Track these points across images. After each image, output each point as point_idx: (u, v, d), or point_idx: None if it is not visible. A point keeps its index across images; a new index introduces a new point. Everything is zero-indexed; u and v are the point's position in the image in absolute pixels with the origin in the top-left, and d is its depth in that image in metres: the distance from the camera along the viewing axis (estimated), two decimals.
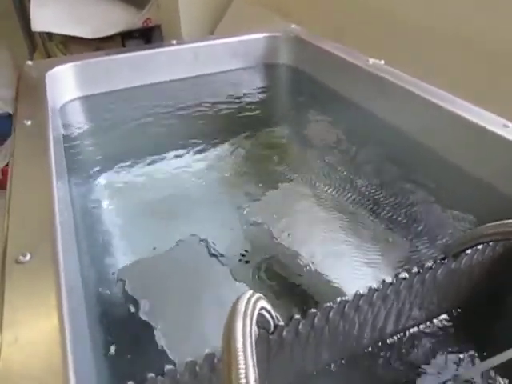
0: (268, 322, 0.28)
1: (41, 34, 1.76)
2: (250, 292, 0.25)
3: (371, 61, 0.62)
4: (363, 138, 0.63)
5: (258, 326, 0.28)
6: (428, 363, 0.39)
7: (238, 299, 0.24)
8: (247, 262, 0.54)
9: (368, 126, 0.62)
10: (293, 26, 0.80)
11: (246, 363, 0.19)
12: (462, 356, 0.40)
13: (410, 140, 0.56)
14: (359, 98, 0.63)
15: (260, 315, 0.25)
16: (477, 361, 0.39)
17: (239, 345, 0.20)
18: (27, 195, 0.38)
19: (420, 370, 0.39)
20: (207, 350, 0.27)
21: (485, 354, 0.38)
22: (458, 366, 0.39)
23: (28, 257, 0.31)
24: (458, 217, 0.48)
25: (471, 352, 0.40)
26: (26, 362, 0.26)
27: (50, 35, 1.74)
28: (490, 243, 0.36)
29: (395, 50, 0.81)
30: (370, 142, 0.62)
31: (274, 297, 0.49)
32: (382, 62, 0.62)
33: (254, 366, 0.19)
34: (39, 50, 1.93)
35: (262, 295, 0.26)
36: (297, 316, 0.31)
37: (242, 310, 0.22)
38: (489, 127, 0.45)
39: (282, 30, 0.78)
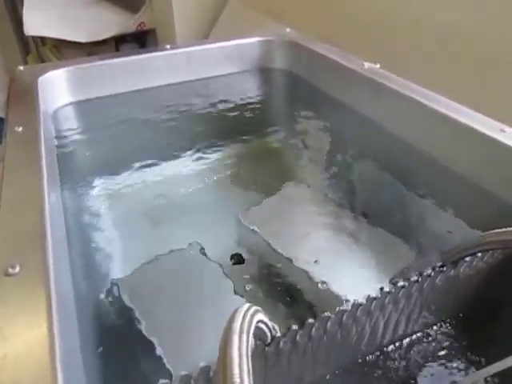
0: (265, 333, 0.28)
1: (34, 37, 1.75)
2: (246, 306, 0.24)
3: (367, 65, 0.62)
4: (359, 142, 0.63)
5: (255, 338, 0.28)
6: (426, 371, 0.39)
7: (233, 314, 0.23)
8: (244, 270, 0.53)
9: (364, 131, 0.62)
10: (287, 29, 0.80)
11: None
12: (460, 364, 0.39)
13: (405, 144, 0.55)
14: (354, 103, 0.63)
15: (257, 328, 0.25)
16: (475, 369, 0.39)
17: (235, 366, 0.19)
18: (18, 204, 0.37)
19: (418, 378, 0.39)
20: (202, 363, 0.27)
21: (483, 361, 0.37)
22: (456, 373, 0.39)
23: (17, 269, 0.30)
24: (455, 223, 0.48)
25: (470, 360, 0.40)
26: (16, 377, 0.25)
27: (42, 39, 1.73)
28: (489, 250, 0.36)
29: (390, 52, 0.81)
30: (366, 146, 0.62)
31: (271, 306, 0.48)
32: (378, 65, 0.61)
33: None
34: (32, 54, 1.92)
35: (258, 308, 0.25)
36: (294, 326, 0.30)
37: (238, 327, 0.22)
38: (486, 132, 0.45)
39: (277, 34, 0.77)
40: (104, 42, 1.52)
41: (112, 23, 1.54)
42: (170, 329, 0.41)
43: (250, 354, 0.21)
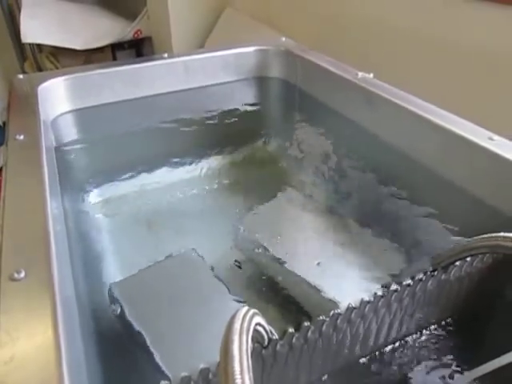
0: (262, 336, 0.29)
1: (31, 45, 1.76)
2: (246, 308, 0.25)
3: (360, 74, 0.63)
4: (353, 150, 0.64)
5: (253, 341, 0.29)
6: (419, 372, 0.40)
7: (233, 316, 0.24)
8: (241, 274, 0.54)
9: (357, 139, 0.63)
10: (283, 38, 0.81)
11: (242, 381, 0.20)
12: (452, 365, 0.40)
13: (397, 152, 0.57)
14: (348, 111, 0.64)
15: (255, 330, 0.26)
16: (465, 370, 0.40)
17: (236, 363, 0.20)
18: (20, 211, 0.38)
19: (411, 379, 0.39)
20: (202, 365, 0.27)
21: (475, 362, 0.38)
22: (448, 374, 0.40)
23: (22, 274, 0.31)
24: (446, 228, 0.49)
25: (461, 361, 0.41)
26: (23, 379, 0.26)
27: (39, 46, 1.73)
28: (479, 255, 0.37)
29: (384, 60, 0.83)
30: (360, 154, 0.63)
31: (268, 310, 0.49)
32: (371, 75, 0.63)
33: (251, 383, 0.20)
34: (29, 61, 1.92)
35: (256, 310, 0.26)
36: (290, 329, 0.31)
37: (238, 327, 0.23)
38: (475, 140, 0.46)
39: (273, 43, 0.79)
40: (101, 49, 1.53)
41: (109, 31, 1.55)
42: (169, 332, 0.42)
43: (249, 352, 0.22)
